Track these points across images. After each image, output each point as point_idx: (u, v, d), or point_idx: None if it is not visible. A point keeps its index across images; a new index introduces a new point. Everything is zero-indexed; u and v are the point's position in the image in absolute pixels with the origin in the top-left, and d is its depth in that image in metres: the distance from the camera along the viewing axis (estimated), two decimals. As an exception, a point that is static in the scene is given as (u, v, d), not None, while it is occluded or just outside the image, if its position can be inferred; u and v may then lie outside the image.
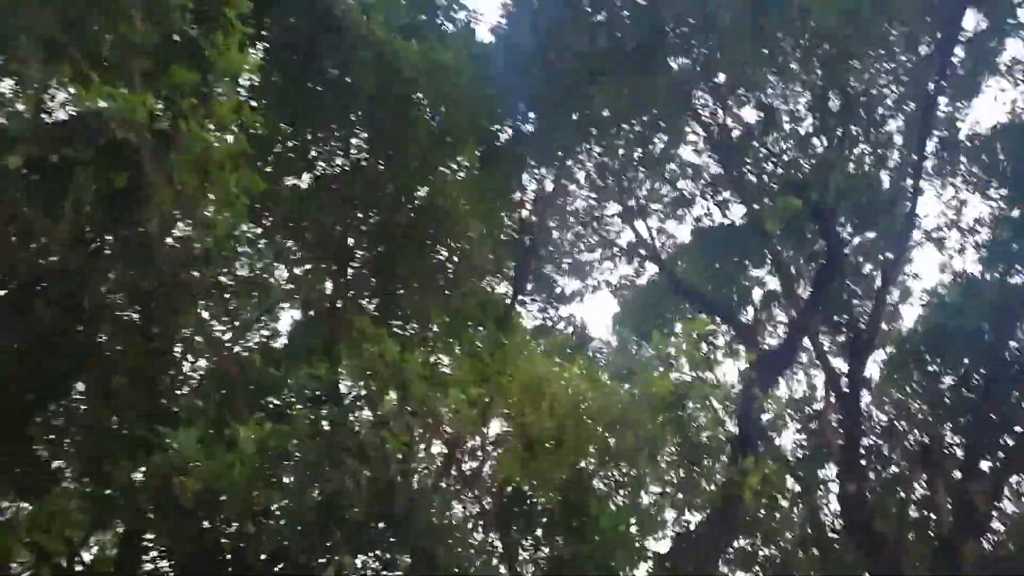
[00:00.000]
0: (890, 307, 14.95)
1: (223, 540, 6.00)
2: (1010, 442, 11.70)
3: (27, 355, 7.96)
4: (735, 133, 13.00)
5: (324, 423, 6.39)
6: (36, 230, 7.00)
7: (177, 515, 5.56)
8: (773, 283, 14.61)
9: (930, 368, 13.72)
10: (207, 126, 4.88)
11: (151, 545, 8.08)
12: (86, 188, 5.23)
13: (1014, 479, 12.45)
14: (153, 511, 5.51)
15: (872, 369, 14.98)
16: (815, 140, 12.31)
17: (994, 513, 12.31)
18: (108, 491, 6.36)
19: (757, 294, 15.36)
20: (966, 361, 13.10)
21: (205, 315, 10.01)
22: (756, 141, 12.66)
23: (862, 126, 12.16)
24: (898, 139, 12.46)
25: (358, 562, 10.98)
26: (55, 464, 10.05)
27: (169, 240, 5.59)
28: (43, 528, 6.99)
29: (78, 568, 10.71)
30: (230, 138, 5.23)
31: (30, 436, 9.33)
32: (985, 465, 11.76)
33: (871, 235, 13.98)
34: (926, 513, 11.34)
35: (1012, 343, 12.79)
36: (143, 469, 5.04)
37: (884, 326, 15.29)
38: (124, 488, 4.92)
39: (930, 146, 12.11)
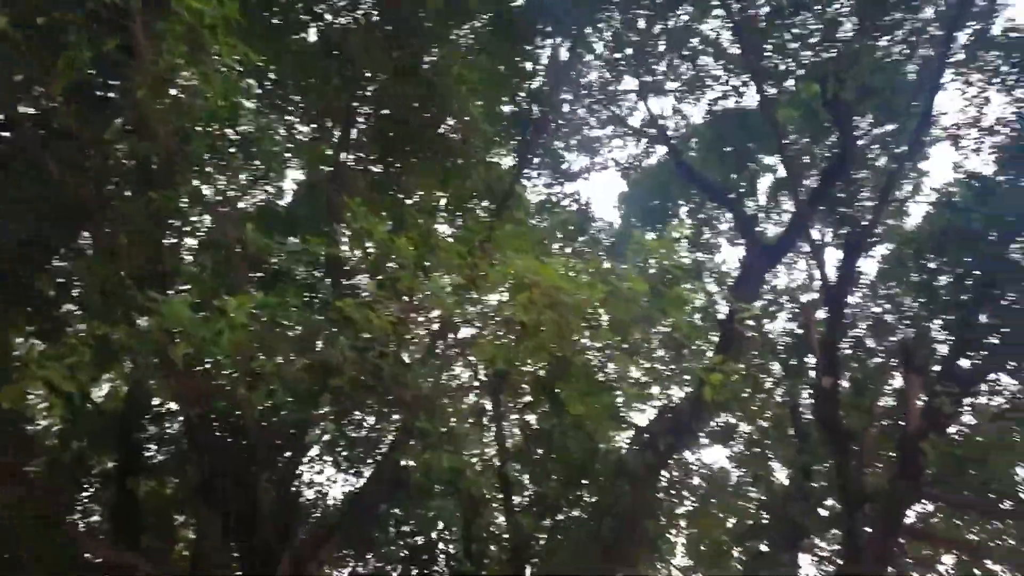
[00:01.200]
0: (899, 203, 14.80)
1: (221, 403, 6.39)
2: (994, 342, 11.94)
3: (38, 206, 8.19)
4: (764, 11, 12.37)
5: (317, 295, 6.61)
6: (31, 82, 7.00)
7: (173, 374, 5.92)
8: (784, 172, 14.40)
9: (930, 266, 13.79)
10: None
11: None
12: (78, 48, 5.15)
13: (992, 376, 12.87)
14: (154, 368, 5.81)
15: (873, 266, 15.14)
16: (845, 24, 11.73)
17: (965, 410, 12.81)
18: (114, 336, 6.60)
19: (766, 183, 15.21)
20: (967, 261, 13.12)
21: (209, 169, 10.11)
22: (783, 21, 12.06)
23: (897, 11, 11.55)
24: (933, 29, 11.82)
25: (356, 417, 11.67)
26: (64, 308, 10.54)
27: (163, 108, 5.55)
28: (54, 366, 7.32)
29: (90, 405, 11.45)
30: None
31: (41, 282, 9.73)
32: (965, 363, 12.07)
33: (890, 127, 13.60)
34: (898, 407, 11.76)
35: (1015, 246, 12.77)
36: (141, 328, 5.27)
37: (890, 222, 15.25)
38: (123, 346, 5.18)
39: (962, 38, 11.53)
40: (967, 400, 12.87)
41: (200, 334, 4.81)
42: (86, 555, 11.26)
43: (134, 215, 6.75)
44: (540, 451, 12.21)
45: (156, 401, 10.93)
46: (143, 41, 5.17)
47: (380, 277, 5.61)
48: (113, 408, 11.89)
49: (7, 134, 8.35)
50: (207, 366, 5.69)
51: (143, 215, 6.52)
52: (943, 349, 12.83)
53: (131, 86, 5.57)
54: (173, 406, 10.92)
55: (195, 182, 9.86)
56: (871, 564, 9.19)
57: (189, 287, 6.30)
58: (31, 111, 7.80)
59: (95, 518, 12.97)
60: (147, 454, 11.58)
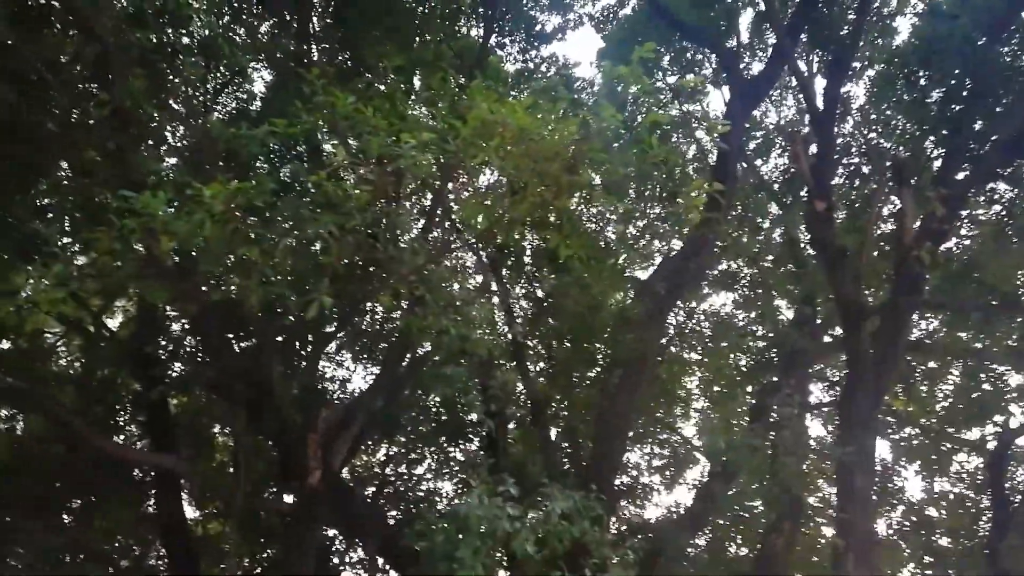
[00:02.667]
0: (885, 21, 14.27)
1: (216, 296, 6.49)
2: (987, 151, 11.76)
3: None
4: None
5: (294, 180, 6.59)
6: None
7: (164, 276, 5.99)
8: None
9: (921, 82, 13.40)
10: None
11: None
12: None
13: (989, 186, 12.79)
14: (141, 275, 5.86)
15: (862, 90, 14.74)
16: None
17: (962, 223, 12.85)
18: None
19: (747, 18, 14.67)
20: (956, 72, 12.73)
21: (177, 80, 9.87)
22: None
23: None
24: None
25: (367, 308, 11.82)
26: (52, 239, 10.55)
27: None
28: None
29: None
30: None
31: (20, 215, 9.71)
32: (960, 176, 11.95)
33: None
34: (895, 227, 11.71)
35: (1005, 49, 12.35)
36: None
37: (879, 42, 14.74)
38: (105, 254, 5.21)
39: None
40: (964, 212, 12.88)
41: (181, 227, 4.85)
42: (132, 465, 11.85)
43: (96, 127, 6.64)
44: (548, 318, 12.46)
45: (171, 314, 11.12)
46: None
47: (347, 143, 5.56)
48: (128, 334, 12.17)
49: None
50: (195, 261, 5.75)
51: (104, 125, 6.41)
52: (937, 165, 12.72)
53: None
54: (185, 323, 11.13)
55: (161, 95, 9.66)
56: (873, 378, 9.44)
57: (158, 187, 6.26)
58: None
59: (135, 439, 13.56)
60: (170, 372, 11.94)
